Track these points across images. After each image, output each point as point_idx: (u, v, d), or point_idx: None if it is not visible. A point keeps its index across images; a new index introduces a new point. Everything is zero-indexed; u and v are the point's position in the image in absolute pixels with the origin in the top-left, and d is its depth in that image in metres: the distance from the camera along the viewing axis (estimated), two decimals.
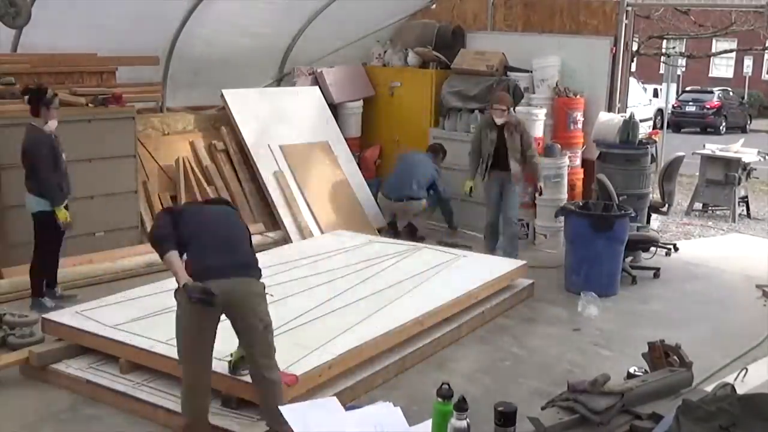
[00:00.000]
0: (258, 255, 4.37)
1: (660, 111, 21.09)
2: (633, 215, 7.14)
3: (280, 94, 9.03)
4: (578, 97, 8.71)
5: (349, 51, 9.77)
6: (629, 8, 8.77)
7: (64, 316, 5.33)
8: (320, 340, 4.96)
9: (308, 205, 8.35)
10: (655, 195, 8.67)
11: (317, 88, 9.26)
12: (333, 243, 7.30)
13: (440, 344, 5.70)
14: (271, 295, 4.38)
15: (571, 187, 8.67)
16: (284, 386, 4.25)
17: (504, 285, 6.60)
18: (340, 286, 6.03)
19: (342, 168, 8.95)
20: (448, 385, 3.42)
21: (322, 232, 8.20)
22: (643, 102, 21.55)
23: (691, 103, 25.43)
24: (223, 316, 4.08)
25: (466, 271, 6.52)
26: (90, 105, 7.06)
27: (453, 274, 6.47)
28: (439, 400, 3.44)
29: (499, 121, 7.31)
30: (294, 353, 4.68)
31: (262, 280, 4.21)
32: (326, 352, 4.82)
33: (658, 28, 17.15)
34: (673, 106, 24.08)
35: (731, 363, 5.40)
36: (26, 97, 6.08)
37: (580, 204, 7.39)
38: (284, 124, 8.63)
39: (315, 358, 4.74)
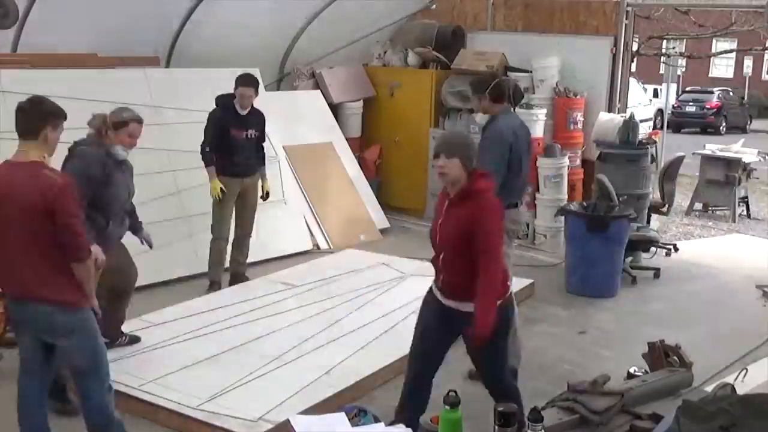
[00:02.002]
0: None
1: (660, 111, 21.07)
2: (633, 216, 7.13)
3: (283, 96, 9.04)
4: (578, 97, 8.71)
5: (349, 51, 9.76)
6: (629, 8, 8.76)
7: None
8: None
9: (311, 205, 8.36)
10: (655, 195, 8.67)
11: (319, 91, 9.27)
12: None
13: None
14: None
15: (571, 187, 8.67)
16: None
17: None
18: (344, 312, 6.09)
19: (345, 169, 8.96)
20: (455, 392, 3.37)
21: (324, 234, 8.21)
22: (643, 102, 21.55)
23: (691, 104, 25.42)
24: None
25: None
26: None
27: None
28: (447, 407, 3.39)
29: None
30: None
31: None
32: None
33: (658, 28, 17.12)
34: (673, 107, 24.06)
35: (731, 365, 5.40)
36: None
37: (584, 204, 7.38)
38: (287, 125, 8.64)
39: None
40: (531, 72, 8.91)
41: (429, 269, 4.09)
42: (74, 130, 6.76)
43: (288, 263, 7.40)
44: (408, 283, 6.76)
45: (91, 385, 3.79)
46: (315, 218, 8.32)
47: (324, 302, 6.28)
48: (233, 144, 6.51)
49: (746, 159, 10.88)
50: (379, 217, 8.90)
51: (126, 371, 4.84)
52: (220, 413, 4.38)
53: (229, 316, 5.89)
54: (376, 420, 4.18)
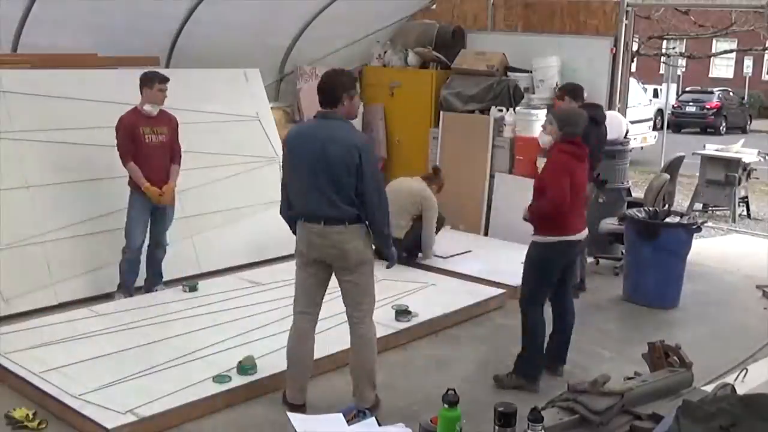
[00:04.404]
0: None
1: (660, 111, 21.08)
2: (694, 226, 6.82)
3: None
4: None
5: (349, 51, 9.76)
6: (629, 8, 8.75)
7: None
8: None
9: None
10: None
11: None
12: None
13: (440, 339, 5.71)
14: None
15: None
16: None
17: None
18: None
19: None
20: (454, 390, 3.38)
21: None
22: (643, 102, 21.57)
23: (691, 104, 25.42)
24: None
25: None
26: None
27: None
28: (445, 406, 3.41)
29: None
30: None
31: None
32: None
33: (658, 28, 17.16)
34: (673, 107, 24.06)
35: (732, 365, 5.39)
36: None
37: (650, 210, 7.13)
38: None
39: None
40: (531, 72, 8.92)
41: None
42: (75, 130, 6.83)
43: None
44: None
45: None
46: None
47: (277, 302, 6.06)
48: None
49: (746, 159, 10.88)
50: None
51: (35, 356, 5.00)
52: (96, 403, 4.42)
53: (164, 312, 5.89)
54: (377, 421, 4.19)
